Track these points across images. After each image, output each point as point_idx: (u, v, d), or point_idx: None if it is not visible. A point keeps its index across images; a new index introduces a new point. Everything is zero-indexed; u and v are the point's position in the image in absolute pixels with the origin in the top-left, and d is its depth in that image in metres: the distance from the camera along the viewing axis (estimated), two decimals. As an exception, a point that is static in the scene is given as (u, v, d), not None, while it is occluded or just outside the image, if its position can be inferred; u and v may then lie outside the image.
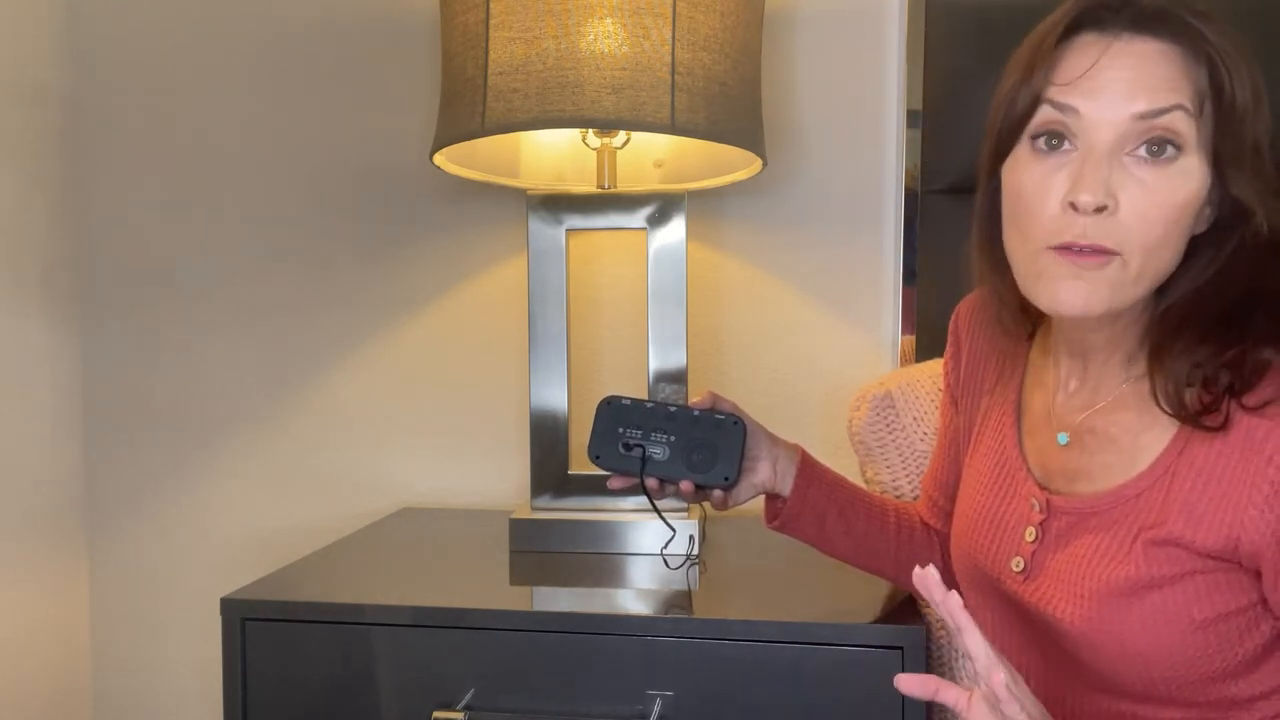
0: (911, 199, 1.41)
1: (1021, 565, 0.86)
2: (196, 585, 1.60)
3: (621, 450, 0.95)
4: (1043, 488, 0.87)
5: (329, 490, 1.58)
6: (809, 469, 0.99)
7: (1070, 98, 0.75)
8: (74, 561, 1.60)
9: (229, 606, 1.05)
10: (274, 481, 1.59)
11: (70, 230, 1.59)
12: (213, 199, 1.58)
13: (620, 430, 0.96)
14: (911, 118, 1.40)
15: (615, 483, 0.97)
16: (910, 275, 1.41)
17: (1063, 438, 0.86)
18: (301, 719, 1.04)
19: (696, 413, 0.96)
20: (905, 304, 1.41)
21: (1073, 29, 0.77)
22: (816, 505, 0.99)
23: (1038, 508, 0.86)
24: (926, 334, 1.40)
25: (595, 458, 0.95)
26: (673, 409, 0.96)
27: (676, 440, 0.95)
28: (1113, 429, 0.83)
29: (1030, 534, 0.86)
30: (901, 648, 0.96)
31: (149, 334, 1.60)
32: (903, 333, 1.42)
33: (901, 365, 1.42)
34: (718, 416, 0.95)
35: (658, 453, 0.95)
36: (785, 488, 0.98)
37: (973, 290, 0.99)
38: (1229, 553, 0.75)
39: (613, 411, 0.97)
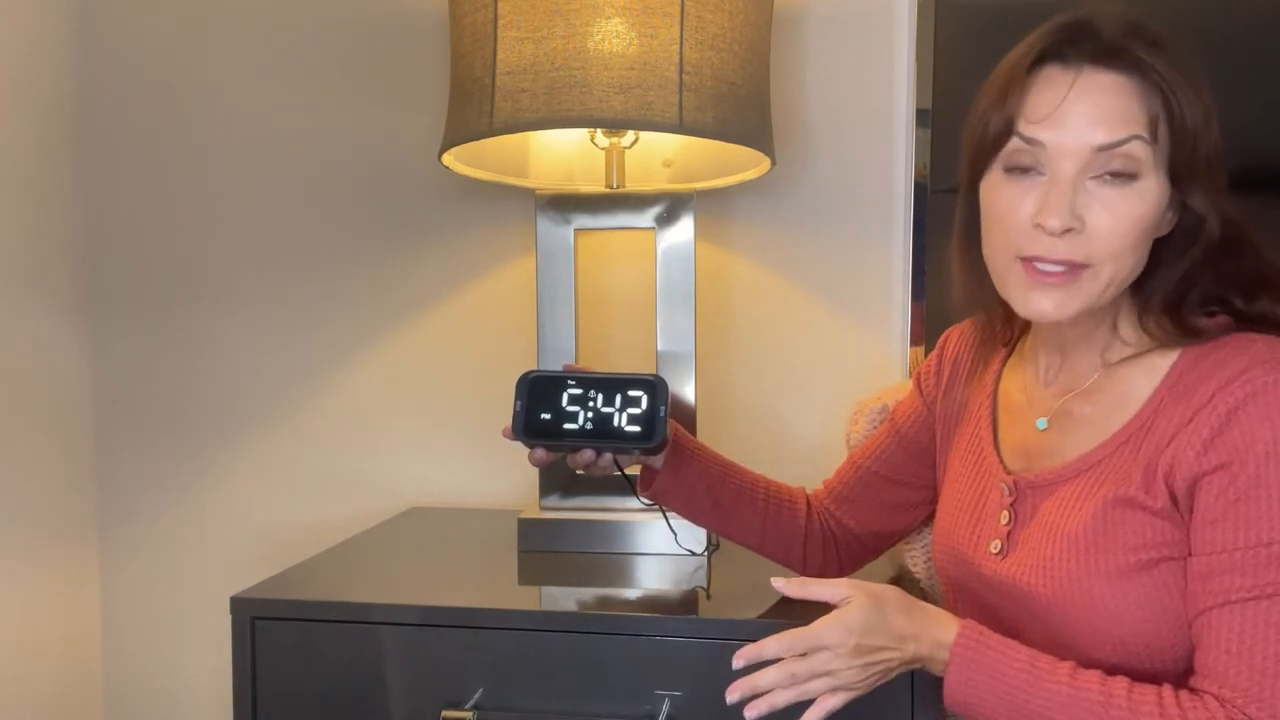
0: (921, 198, 1.41)
1: (999, 547, 0.91)
2: (206, 584, 1.61)
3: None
4: (1009, 471, 0.93)
5: (338, 490, 1.58)
6: (681, 446, 1.05)
7: (1037, 133, 0.82)
8: (85, 560, 1.61)
9: (239, 605, 1.05)
10: (283, 481, 1.59)
11: (81, 231, 1.59)
12: (222, 199, 1.58)
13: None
14: (921, 117, 1.40)
15: (537, 456, 0.99)
16: (919, 273, 1.41)
17: (1041, 422, 0.92)
18: (310, 718, 1.04)
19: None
20: (914, 301, 1.42)
21: (1039, 61, 0.84)
22: (686, 480, 1.05)
23: (1007, 491, 0.91)
24: (936, 332, 1.40)
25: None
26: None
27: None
28: (1088, 409, 0.89)
29: (1004, 517, 0.91)
30: (911, 648, 0.96)
31: (159, 334, 1.61)
32: (912, 330, 1.42)
33: (911, 362, 1.42)
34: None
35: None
36: (659, 462, 1.04)
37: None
38: (1173, 501, 0.81)
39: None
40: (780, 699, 0.80)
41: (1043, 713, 0.78)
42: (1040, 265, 0.82)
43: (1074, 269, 0.82)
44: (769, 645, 0.81)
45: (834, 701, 0.81)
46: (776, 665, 0.80)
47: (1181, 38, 0.83)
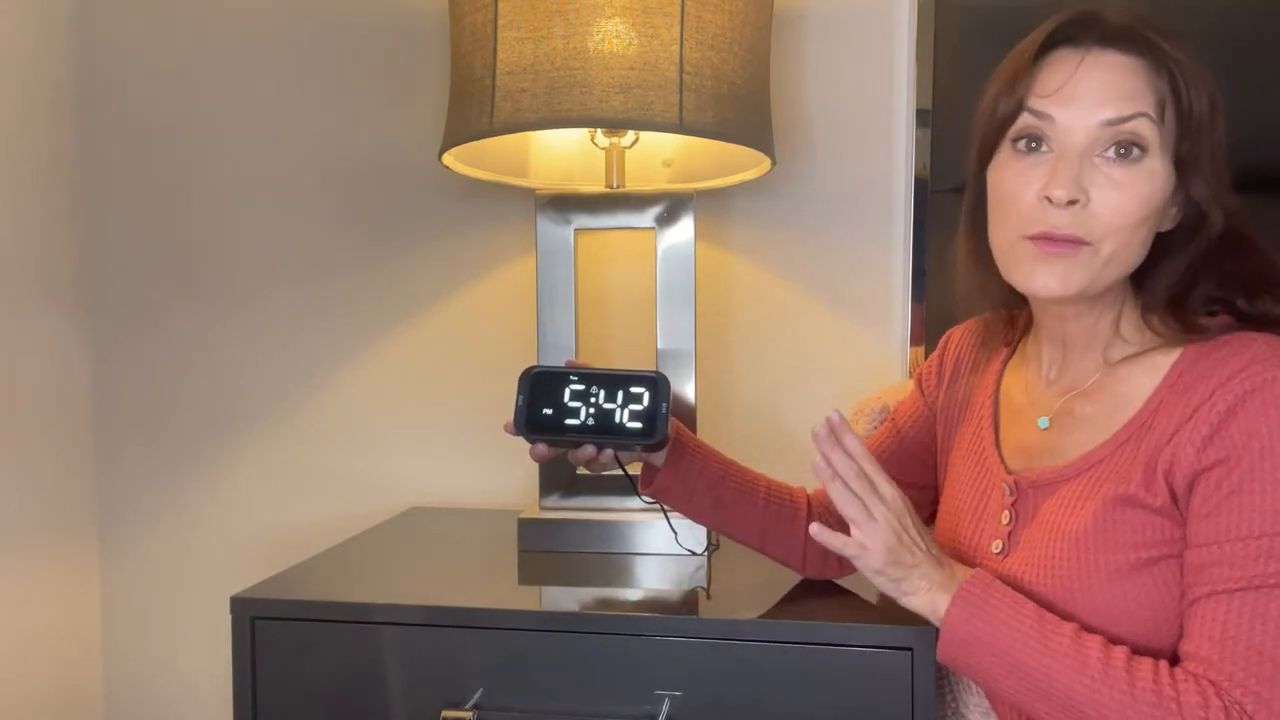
0: (921, 198, 1.41)
1: (1000, 546, 0.91)
2: (207, 584, 1.61)
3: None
4: (1010, 471, 0.93)
5: (338, 489, 1.58)
6: (682, 444, 1.04)
7: (1047, 106, 0.84)
8: (85, 561, 1.61)
9: (239, 605, 1.05)
10: (283, 481, 1.59)
11: (81, 232, 1.59)
12: (223, 199, 1.58)
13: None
14: (921, 117, 1.40)
15: (538, 452, 0.99)
16: (919, 274, 1.41)
17: (1043, 421, 0.93)
18: (310, 718, 1.04)
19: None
20: (914, 301, 1.42)
21: (1049, 45, 0.86)
22: (687, 479, 1.04)
23: (1008, 491, 0.92)
24: (936, 332, 1.40)
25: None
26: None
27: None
28: (1089, 409, 0.89)
29: (1005, 517, 0.92)
30: (911, 649, 0.96)
31: (159, 334, 1.60)
32: (912, 330, 1.42)
33: (911, 362, 1.42)
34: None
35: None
36: (660, 459, 1.04)
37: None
38: (1172, 499, 0.81)
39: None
40: (834, 487, 0.85)
41: (1039, 659, 0.79)
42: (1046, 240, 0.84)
43: (1078, 243, 0.83)
44: (851, 441, 0.86)
45: (844, 540, 0.84)
46: (849, 460, 0.86)
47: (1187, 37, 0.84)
